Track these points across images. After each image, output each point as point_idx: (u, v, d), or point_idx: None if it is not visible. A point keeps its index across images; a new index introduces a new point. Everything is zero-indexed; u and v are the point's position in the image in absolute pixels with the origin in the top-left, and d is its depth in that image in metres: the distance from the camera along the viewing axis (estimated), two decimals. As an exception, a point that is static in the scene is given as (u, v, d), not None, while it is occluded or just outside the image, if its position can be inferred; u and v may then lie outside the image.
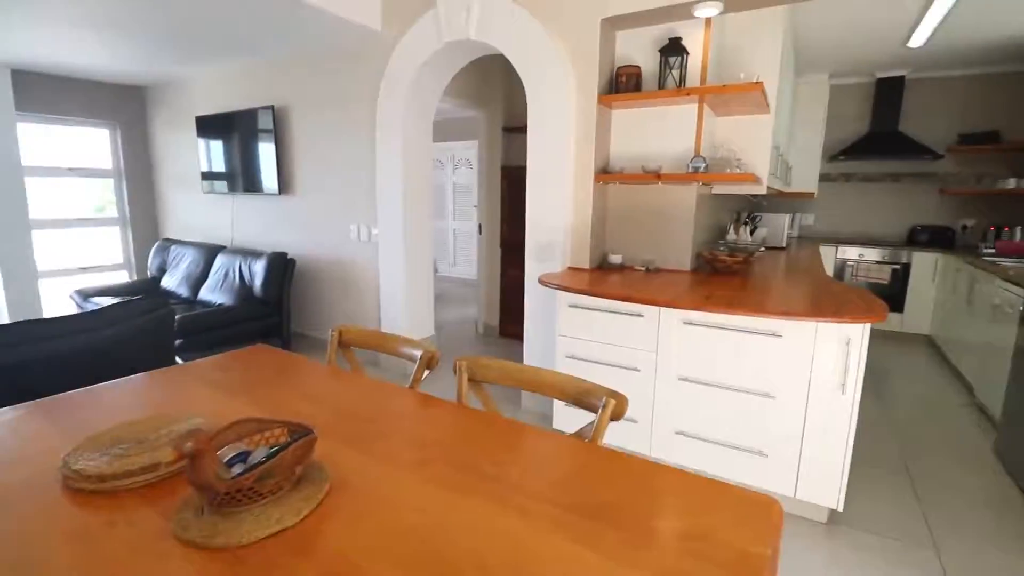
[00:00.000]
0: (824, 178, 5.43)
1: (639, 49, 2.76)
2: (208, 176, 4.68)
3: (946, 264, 4.46)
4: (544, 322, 2.90)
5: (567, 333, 2.47)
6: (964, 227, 4.91)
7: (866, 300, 2.07)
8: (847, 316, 1.81)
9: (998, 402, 2.85)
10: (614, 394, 1.10)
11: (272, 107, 3.98)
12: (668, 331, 2.21)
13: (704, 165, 2.53)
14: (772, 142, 3.05)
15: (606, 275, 2.69)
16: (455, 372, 1.32)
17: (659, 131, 2.77)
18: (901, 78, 4.94)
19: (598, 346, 2.39)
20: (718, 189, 3.19)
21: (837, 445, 1.95)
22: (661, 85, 2.61)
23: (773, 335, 1.99)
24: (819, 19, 3.58)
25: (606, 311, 2.34)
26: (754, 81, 2.36)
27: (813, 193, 5.25)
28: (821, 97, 5.13)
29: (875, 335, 4.93)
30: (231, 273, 3.88)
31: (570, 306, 2.44)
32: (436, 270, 6.32)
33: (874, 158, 5.08)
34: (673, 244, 2.82)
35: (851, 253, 4.96)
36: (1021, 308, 2.64)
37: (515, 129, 4.15)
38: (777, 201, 5.63)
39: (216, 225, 4.82)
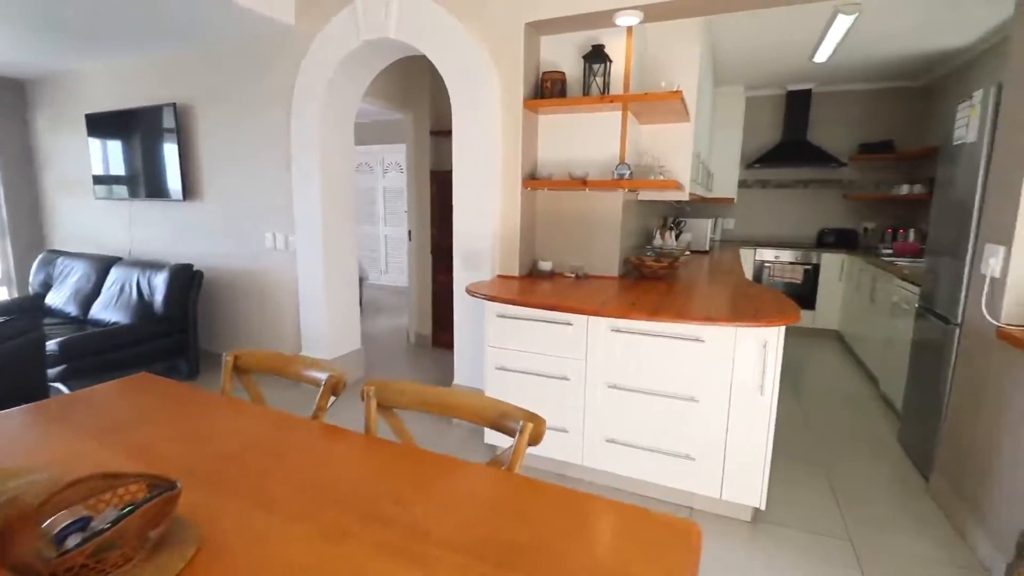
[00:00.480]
0: (743, 184, 5.72)
1: (563, 55, 2.75)
2: (102, 180, 4.22)
3: (851, 264, 4.81)
4: (474, 332, 2.81)
5: (496, 344, 2.40)
6: (866, 229, 5.32)
7: (780, 303, 2.14)
8: (763, 320, 1.85)
9: (900, 394, 3.07)
10: (531, 417, 1.03)
11: (174, 105, 3.65)
12: (596, 339, 2.18)
13: (629, 172, 2.55)
14: (693, 150, 3.13)
15: (536, 283, 2.64)
16: (363, 399, 1.21)
17: (585, 137, 2.76)
18: (808, 91, 5.29)
19: (528, 356, 2.33)
20: (644, 195, 3.24)
21: (758, 445, 1.99)
22: (585, 92, 2.60)
23: (696, 340, 2.01)
24: (734, 34, 3.74)
25: (535, 320, 2.28)
26: (674, 90, 2.40)
27: (733, 199, 5.50)
28: (738, 108, 5.39)
29: (790, 331, 5.23)
30: (128, 288, 3.50)
31: (498, 316, 2.36)
32: (366, 278, 6.07)
33: (786, 166, 5.41)
34: (601, 250, 2.82)
35: (768, 255, 5.24)
36: (916, 305, 2.85)
37: (443, 132, 4.04)
38: (700, 206, 5.87)
39: (111, 234, 4.36)
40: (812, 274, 5.10)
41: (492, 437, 2.54)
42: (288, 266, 3.44)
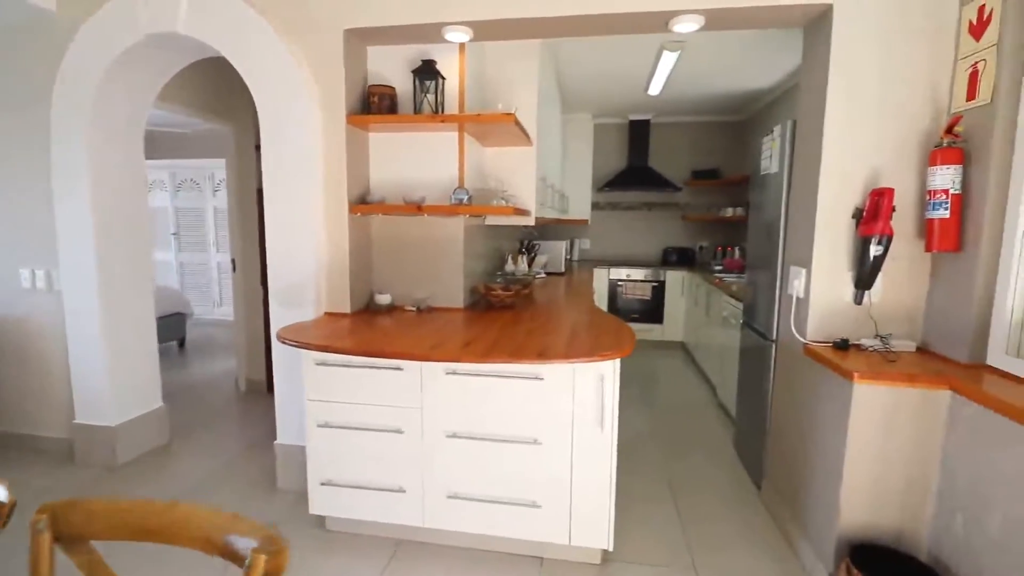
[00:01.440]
0: (596, 207, 5.96)
1: (395, 69, 2.51)
2: None
3: (690, 281, 5.19)
4: (297, 381, 2.41)
5: (317, 396, 2.04)
6: (701, 248, 5.82)
7: (619, 332, 2.09)
8: (598, 353, 1.76)
9: (735, 401, 3.27)
10: (268, 543, 0.74)
11: None
12: (431, 383, 1.94)
13: (467, 197, 2.37)
14: (538, 174, 3.08)
15: (371, 320, 2.33)
16: (30, 532, 0.81)
17: (423, 158, 2.55)
18: (647, 121, 5.69)
19: (355, 408, 2.01)
20: (493, 220, 3.10)
21: (602, 484, 1.88)
22: (416, 109, 2.39)
23: (535, 378, 1.86)
24: (576, 62, 3.83)
25: (361, 367, 1.98)
26: (507, 112, 2.29)
27: (587, 220, 5.70)
28: (587, 134, 5.63)
29: (643, 344, 5.50)
30: None
31: (318, 364, 2.01)
32: (190, 313, 5.22)
33: (632, 189, 5.74)
34: (445, 280, 2.60)
35: (620, 274, 5.48)
36: (741, 320, 3.05)
37: (273, 149, 3.56)
38: (557, 228, 6.00)
39: None
40: (659, 290, 5.43)
41: (324, 505, 2.14)
42: (54, 310, 2.71)
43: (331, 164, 2.36)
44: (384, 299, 2.54)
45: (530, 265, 3.93)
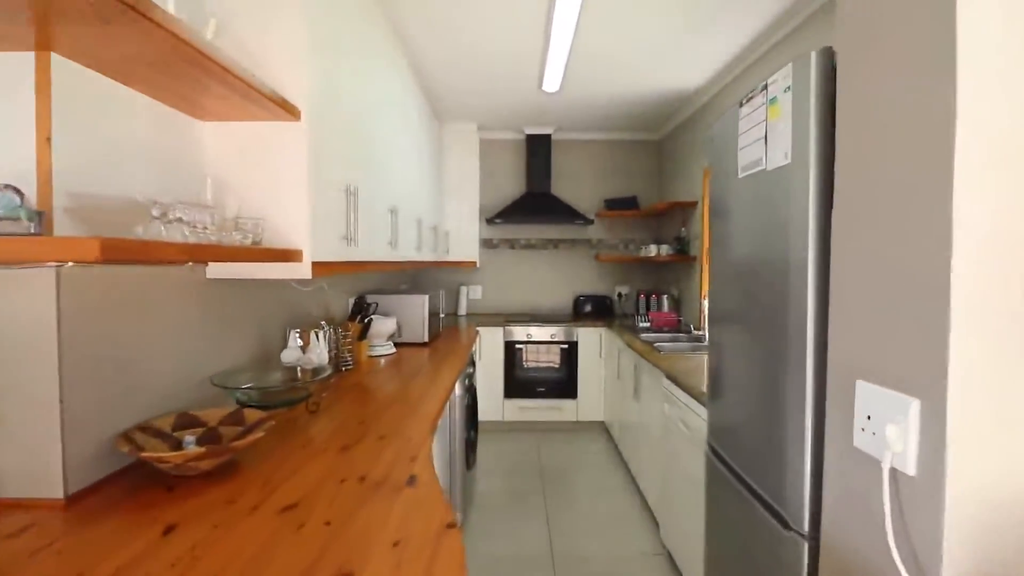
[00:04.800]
0: (487, 244, 4.60)
1: None
2: None
3: (609, 341, 3.91)
4: None
5: None
6: (620, 295, 4.61)
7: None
8: None
9: (689, 555, 1.91)
10: None
11: None
12: None
13: (27, 213, 0.83)
14: (323, 179, 1.61)
15: None
16: None
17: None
18: (548, 136, 4.48)
19: None
20: (242, 272, 1.55)
21: None
22: None
23: None
24: (436, 49, 2.48)
25: None
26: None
27: (475, 263, 4.31)
28: (472, 150, 4.30)
29: (553, 428, 4.11)
30: None
31: None
32: None
33: (532, 222, 4.45)
34: (14, 429, 1.01)
35: (520, 334, 4.08)
36: (706, 446, 1.71)
37: None
38: (437, 273, 4.56)
39: None
40: (570, 353, 4.09)
41: None
42: None
43: None
44: None
45: (360, 338, 2.40)
